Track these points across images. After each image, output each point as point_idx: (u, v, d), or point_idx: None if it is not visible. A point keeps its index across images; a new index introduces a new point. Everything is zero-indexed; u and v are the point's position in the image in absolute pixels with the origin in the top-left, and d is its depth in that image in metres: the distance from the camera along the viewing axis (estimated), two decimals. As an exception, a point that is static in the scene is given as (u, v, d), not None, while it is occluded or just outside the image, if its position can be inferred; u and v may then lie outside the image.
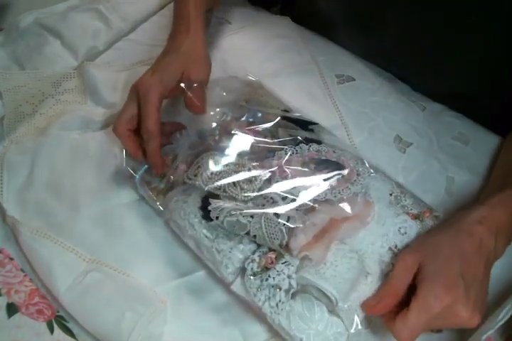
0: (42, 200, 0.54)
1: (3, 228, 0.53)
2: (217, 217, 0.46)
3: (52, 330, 0.48)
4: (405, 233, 0.48)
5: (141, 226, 0.54)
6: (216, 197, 0.48)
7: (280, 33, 0.72)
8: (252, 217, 0.45)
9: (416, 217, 0.50)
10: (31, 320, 0.48)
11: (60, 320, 0.48)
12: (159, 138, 0.50)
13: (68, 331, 0.48)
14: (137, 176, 0.53)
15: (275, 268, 0.45)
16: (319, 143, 0.53)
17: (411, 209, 0.51)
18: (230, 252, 0.47)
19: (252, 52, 0.69)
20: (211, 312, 0.49)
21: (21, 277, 0.51)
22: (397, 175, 0.58)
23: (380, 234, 0.48)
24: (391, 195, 0.52)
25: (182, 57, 0.54)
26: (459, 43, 0.56)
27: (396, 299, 0.43)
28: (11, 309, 0.48)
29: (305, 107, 0.62)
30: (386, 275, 0.47)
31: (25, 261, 0.51)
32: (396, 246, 0.48)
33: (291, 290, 0.44)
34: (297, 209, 0.46)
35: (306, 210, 0.46)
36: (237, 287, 0.47)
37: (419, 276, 0.43)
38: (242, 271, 0.47)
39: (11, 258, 0.52)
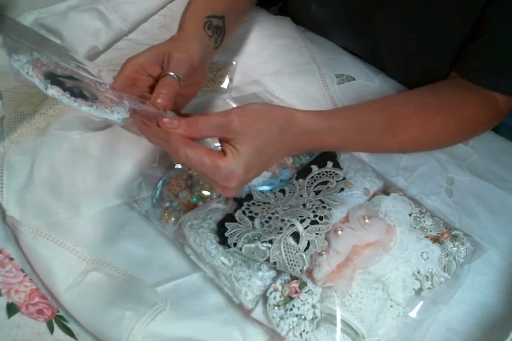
0: (42, 200, 0.54)
1: (3, 228, 0.53)
2: (235, 244, 0.46)
3: (52, 330, 0.48)
4: (427, 258, 0.48)
5: (142, 226, 0.54)
6: (232, 220, 0.48)
7: (280, 32, 0.72)
8: (270, 242, 0.45)
9: (436, 240, 0.50)
10: (31, 320, 0.48)
11: (60, 320, 0.49)
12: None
13: (68, 331, 0.48)
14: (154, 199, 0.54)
15: (299, 298, 0.45)
16: (335, 158, 0.54)
17: (430, 231, 0.51)
18: (249, 280, 0.46)
19: (252, 52, 0.69)
20: (211, 312, 0.49)
21: (21, 277, 0.51)
22: (397, 175, 0.58)
23: (403, 259, 0.48)
24: (410, 215, 0.51)
25: (170, 44, 0.52)
26: (442, 44, 0.57)
27: (187, 136, 0.42)
28: (11, 309, 0.49)
29: (305, 107, 0.62)
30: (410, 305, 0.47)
31: (25, 261, 0.51)
32: (419, 272, 0.48)
33: (316, 320, 0.44)
34: (317, 232, 0.46)
35: (326, 233, 0.46)
36: (257, 315, 0.47)
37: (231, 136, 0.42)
38: (263, 298, 0.47)
39: (11, 258, 0.52)
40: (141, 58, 0.49)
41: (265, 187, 0.52)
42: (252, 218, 0.48)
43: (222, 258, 0.47)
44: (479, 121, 0.57)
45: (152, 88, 0.49)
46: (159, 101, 0.45)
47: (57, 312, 0.49)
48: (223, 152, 0.42)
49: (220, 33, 0.57)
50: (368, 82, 0.67)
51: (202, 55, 0.52)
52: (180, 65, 0.49)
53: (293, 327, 0.44)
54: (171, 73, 0.48)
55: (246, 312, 0.47)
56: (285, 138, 0.44)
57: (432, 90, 0.57)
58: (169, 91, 0.47)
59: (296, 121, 0.45)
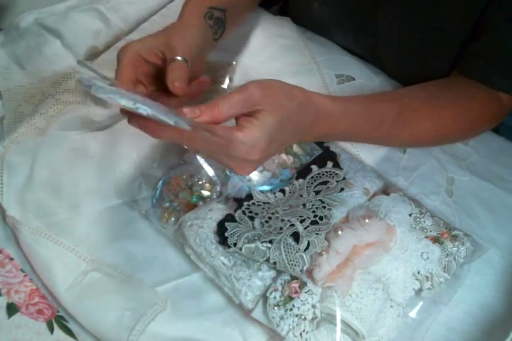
0: (42, 200, 0.54)
1: (3, 228, 0.53)
2: (235, 244, 0.46)
3: (52, 330, 0.48)
4: (427, 258, 0.48)
5: (141, 226, 0.54)
6: (232, 220, 0.48)
7: (280, 33, 0.72)
8: (270, 242, 0.45)
9: (436, 240, 0.50)
10: (31, 320, 0.48)
11: (60, 320, 0.49)
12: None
13: (68, 331, 0.48)
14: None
15: (299, 298, 0.45)
16: (335, 158, 0.53)
17: (430, 232, 0.51)
18: (249, 280, 0.47)
19: (253, 52, 0.69)
20: (211, 312, 0.49)
21: (21, 277, 0.51)
22: (397, 175, 0.58)
23: (403, 259, 0.48)
24: (410, 215, 0.51)
25: (168, 31, 0.51)
26: (443, 44, 0.57)
27: (211, 122, 0.40)
28: (11, 309, 0.49)
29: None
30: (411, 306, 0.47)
31: (25, 261, 0.51)
32: (419, 272, 0.47)
33: (316, 320, 0.44)
34: (317, 232, 0.46)
35: (326, 233, 0.46)
36: (257, 315, 0.47)
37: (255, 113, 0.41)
38: (263, 298, 0.47)
39: (11, 258, 0.52)
40: (139, 45, 0.48)
41: (265, 187, 0.52)
42: (252, 218, 0.48)
43: (222, 258, 0.47)
44: (485, 117, 0.57)
45: (149, 76, 0.49)
46: (177, 84, 0.44)
47: (57, 312, 0.49)
48: (240, 127, 0.40)
49: (221, 25, 0.57)
50: (368, 82, 0.67)
51: (200, 44, 0.51)
52: (182, 49, 0.48)
53: (293, 327, 0.44)
54: (179, 57, 0.47)
55: (246, 312, 0.47)
56: (303, 117, 0.44)
57: (439, 84, 0.57)
58: (182, 73, 0.46)
59: (314, 101, 0.45)
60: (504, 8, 0.49)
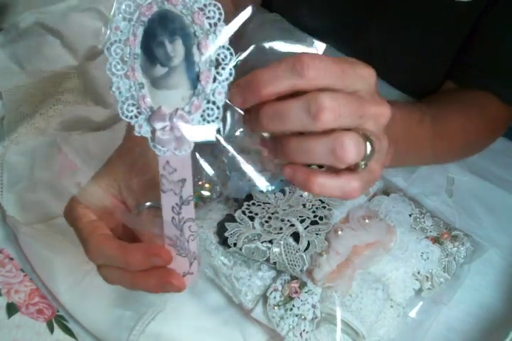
0: (42, 200, 0.54)
1: (3, 228, 0.53)
2: (235, 244, 0.46)
3: (52, 330, 0.48)
4: (427, 258, 0.48)
5: (141, 226, 0.53)
6: (232, 220, 0.48)
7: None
8: (270, 242, 0.45)
9: (436, 241, 0.50)
10: (31, 320, 0.48)
11: (60, 320, 0.49)
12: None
13: (68, 331, 0.48)
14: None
15: (299, 298, 0.45)
16: None
17: (430, 232, 0.51)
18: (249, 280, 0.46)
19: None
20: (211, 312, 0.49)
21: (21, 277, 0.51)
22: (396, 175, 0.58)
23: (403, 259, 0.47)
24: (410, 215, 0.51)
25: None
26: (436, 55, 0.57)
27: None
28: (11, 309, 0.49)
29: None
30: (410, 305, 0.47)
31: (25, 261, 0.51)
32: (419, 272, 0.47)
33: (316, 320, 0.44)
34: (317, 233, 0.46)
35: (326, 233, 0.46)
36: (257, 314, 0.46)
37: None
38: (263, 298, 0.47)
39: (11, 258, 0.52)
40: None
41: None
42: (252, 218, 0.48)
43: (222, 258, 0.47)
44: (503, 119, 0.57)
45: None
46: None
47: (57, 312, 0.49)
48: None
49: None
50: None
51: None
52: None
53: (293, 327, 0.44)
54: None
55: (246, 312, 0.47)
56: None
57: (449, 92, 0.57)
58: None
59: None
60: (500, 18, 0.49)
